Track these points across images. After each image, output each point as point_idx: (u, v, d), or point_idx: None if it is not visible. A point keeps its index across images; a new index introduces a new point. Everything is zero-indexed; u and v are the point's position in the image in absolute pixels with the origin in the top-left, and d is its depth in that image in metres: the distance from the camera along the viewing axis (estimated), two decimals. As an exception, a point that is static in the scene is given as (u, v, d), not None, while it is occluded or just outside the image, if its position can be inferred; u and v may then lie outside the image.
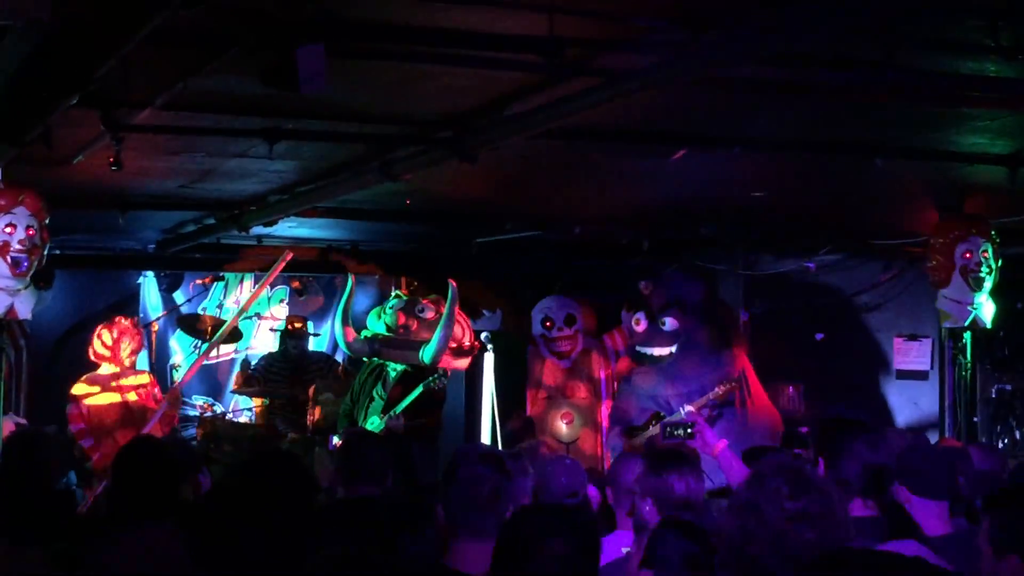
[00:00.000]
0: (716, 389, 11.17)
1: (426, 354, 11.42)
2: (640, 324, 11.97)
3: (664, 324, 11.79)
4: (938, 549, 4.41)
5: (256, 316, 15.01)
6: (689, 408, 11.02)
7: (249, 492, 3.46)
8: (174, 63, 5.97)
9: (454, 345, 11.85)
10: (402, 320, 11.94)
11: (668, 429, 8.36)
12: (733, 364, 11.76)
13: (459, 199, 10.51)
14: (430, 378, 11.49)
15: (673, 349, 11.73)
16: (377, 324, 12.17)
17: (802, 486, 3.59)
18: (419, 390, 11.40)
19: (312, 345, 14.21)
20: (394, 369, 11.86)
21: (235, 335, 14.19)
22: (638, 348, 12.01)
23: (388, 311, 12.12)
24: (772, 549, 3.50)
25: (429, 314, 12.03)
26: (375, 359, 11.99)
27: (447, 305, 11.63)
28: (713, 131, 7.78)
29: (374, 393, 11.86)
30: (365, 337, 12.03)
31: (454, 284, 11.62)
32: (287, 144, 7.68)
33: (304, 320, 14.02)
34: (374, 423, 11.45)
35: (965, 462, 6.12)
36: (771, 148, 8.08)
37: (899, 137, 8.01)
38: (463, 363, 12.18)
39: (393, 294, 12.62)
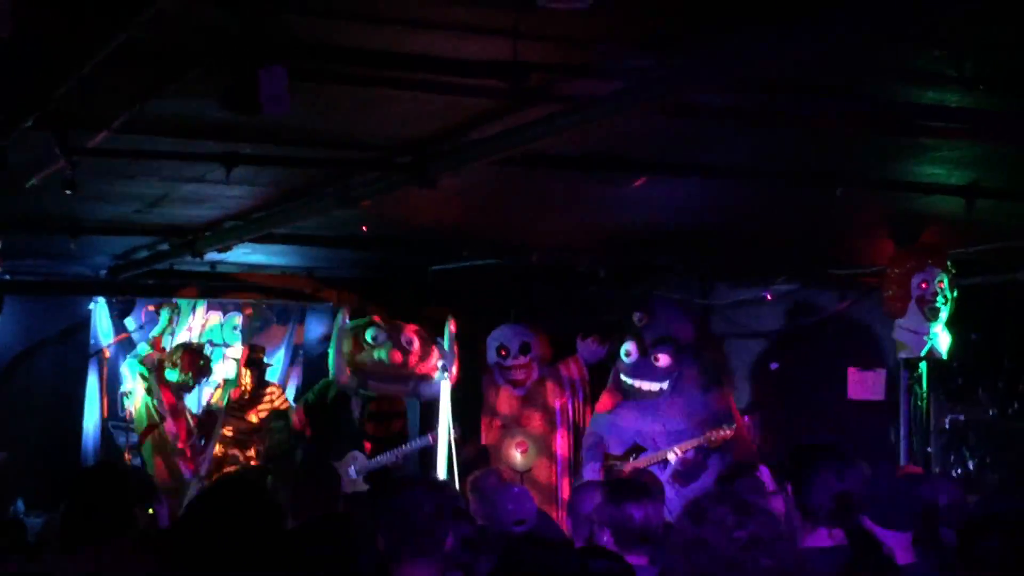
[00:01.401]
0: (711, 435, 11.15)
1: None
2: (631, 355, 11.91)
3: (657, 360, 11.75)
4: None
5: (224, 344, 14.87)
6: (677, 451, 11.04)
7: (215, 519, 3.39)
8: (133, 85, 5.89)
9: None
10: (399, 359, 12.04)
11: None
12: (723, 404, 11.75)
13: (416, 226, 10.45)
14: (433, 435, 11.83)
15: (664, 386, 11.70)
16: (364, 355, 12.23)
17: (746, 512, 3.52)
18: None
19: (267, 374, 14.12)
20: (369, 399, 12.12)
21: (205, 369, 14.07)
22: (624, 378, 11.96)
23: (381, 349, 12.14)
24: None
25: (416, 346, 12.16)
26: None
27: (447, 342, 11.81)
28: (673, 158, 7.76)
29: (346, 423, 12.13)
30: (353, 373, 12.09)
31: (453, 323, 11.79)
32: (245, 169, 7.58)
33: (263, 349, 13.95)
34: None
35: (929, 490, 6.10)
36: (731, 176, 8.07)
37: (859, 167, 8.02)
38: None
39: (365, 320, 12.51)
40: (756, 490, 7.34)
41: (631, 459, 11.53)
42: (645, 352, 11.83)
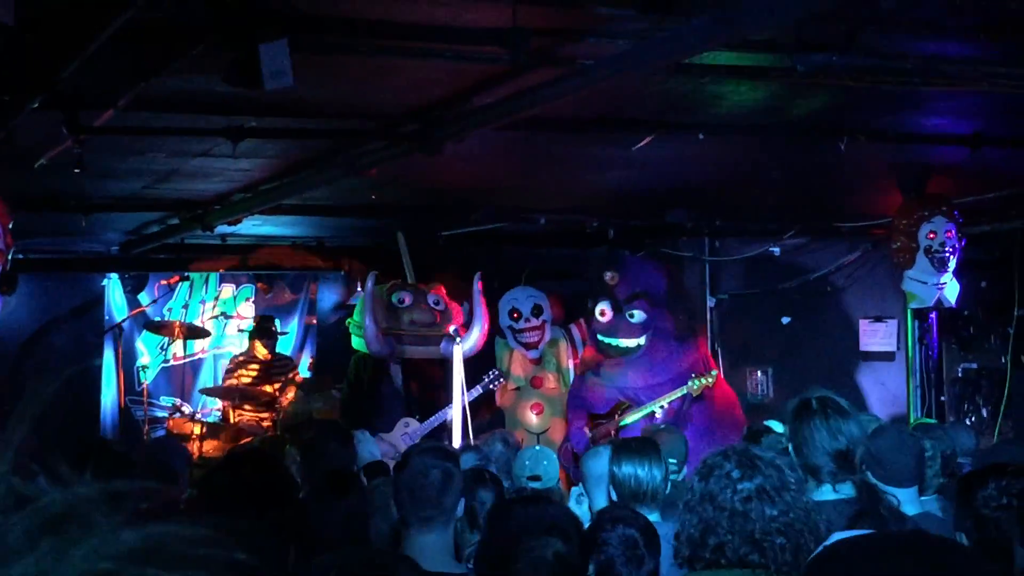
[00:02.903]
0: (694, 384, 11.22)
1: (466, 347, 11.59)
2: (605, 315, 11.96)
3: (632, 316, 11.79)
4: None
5: (223, 316, 14.97)
6: (663, 404, 11.11)
7: (229, 491, 3.44)
8: (137, 63, 5.94)
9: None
10: (429, 319, 12.08)
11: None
12: (698, 353, 11.82)
13: (424, 193, 10.49)
14: (486, 381, 11.76)
15: (642, 340, 11.74)
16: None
17: (752, 465, 3.61)
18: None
19: (279, 344, 14.19)
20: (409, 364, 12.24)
21: (202, 333, 14.16)
22: (602, 338, 12.00)
23: (412, 312, 12.14)
24: (735, 533, 3.52)
25: (443, 305, 12.20)
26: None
27: (475, 299, 11.81)
28: (677, 117, 7.79)
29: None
30: (387, 339, 12.08)
31: (480, 281, 11.78)
32: (251, 142, 7.64)
33: (273, 319, 14.02)
34: None
35: (940, 441, 6.15)
36: (735, 132, 8.09)
37: (862, 120, 8.04)
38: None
39: (388, 285, 12.49)
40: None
41: (616, 417, 11.60)
42: (619, 310, 11.87)
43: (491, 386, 11.97)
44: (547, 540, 3.55)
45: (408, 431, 11.91)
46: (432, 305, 12.13)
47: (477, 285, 11.82)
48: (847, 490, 4.59)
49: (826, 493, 4.57)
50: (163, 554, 1.10)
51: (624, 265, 12.16)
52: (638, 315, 11.76)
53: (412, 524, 4.42)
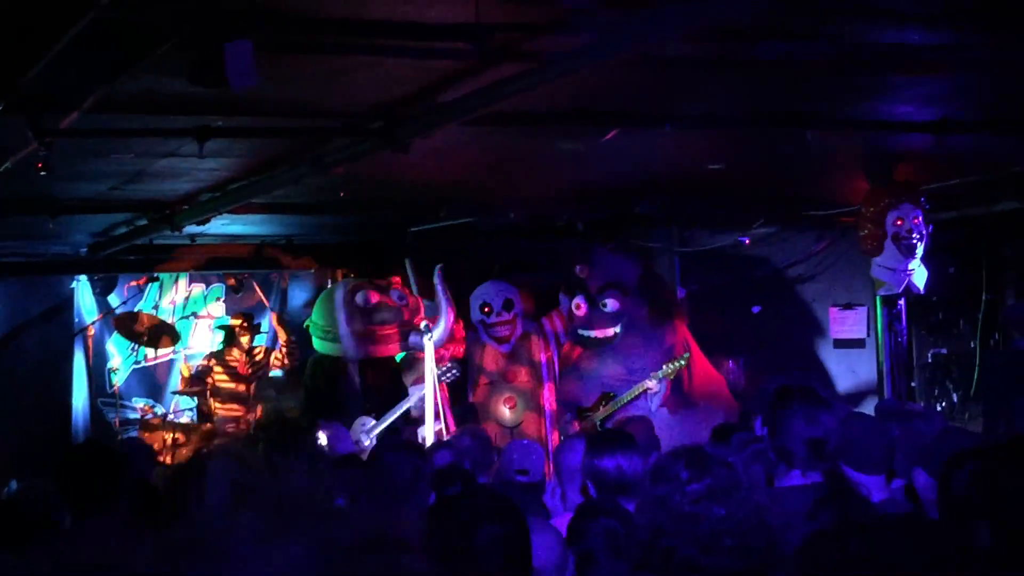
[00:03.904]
0: (666, 367, 11.30)
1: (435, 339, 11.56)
2: (580, 308, 12.05)
3: (605, 306, 11.88)
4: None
5: (193, 316, 14.93)
6: (655, 378, 11.20)
7: (196, 492, 3.43)
8: (101, 65, 5.91)
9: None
10: (401, 317, 12.09)
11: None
12: (676, 337, 11.89)
13: (392, 189, 10.48)
14: (440, 373, 11.69)
15: (617, 330, 11.83)
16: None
17: (702, 466, 3.60)
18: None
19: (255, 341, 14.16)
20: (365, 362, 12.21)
21: (173, 336, 14.11)
22: (580, 331, 12.08)
23: (382, 312, 12.17)
24: (684, 536, 3.50)
25: (409, 300, 12.20)
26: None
27: (438, 291, 11.80)
28: (644, 109, 7.80)
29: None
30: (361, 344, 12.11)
31: (439, 271, 11.77)
32: (218, 142, 7.61)
33: (251, 316, 13.99)
34: None
35: (907, 429, 6.18)
36: (702, 124, 8.11)
37: (828, 109, 8.07)
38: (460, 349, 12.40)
39: (351, 286, 12.51)
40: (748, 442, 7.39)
41: (601, 407, 11.66)
42: (593, 302, 11.99)
43: (443, 379, 11.90)
44: (484, 528, 3.51)
45: (365, 429, 11.95)
46: (397, 301, 12.18)
47: (438, 276, 11.85)
48: (815, 476, 4.62)
49: (794, 478, 4.60)
50: None
51: (595, 258, 12.22)
52: (611, 304, 11.86)
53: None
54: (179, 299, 14.90)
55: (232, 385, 13.34)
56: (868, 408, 9.72)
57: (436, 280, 11.89)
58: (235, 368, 13.49)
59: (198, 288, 15.02)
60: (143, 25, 5.40)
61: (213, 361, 13.66)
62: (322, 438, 8.09)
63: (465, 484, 6.21)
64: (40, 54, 5.22)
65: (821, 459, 4.65)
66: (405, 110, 7.16)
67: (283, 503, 1.22)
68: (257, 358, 13.67)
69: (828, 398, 4.90)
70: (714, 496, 3.52)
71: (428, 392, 11.03)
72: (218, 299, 15.11)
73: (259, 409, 13.26)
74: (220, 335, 14.02)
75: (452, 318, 11.96)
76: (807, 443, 4.63)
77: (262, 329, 14.23)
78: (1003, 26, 6.07)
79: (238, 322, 13.78)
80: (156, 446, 12.39)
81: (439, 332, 11.69)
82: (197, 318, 14.97)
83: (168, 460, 12.16)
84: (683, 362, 11.42)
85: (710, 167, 9.64)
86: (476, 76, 6.34)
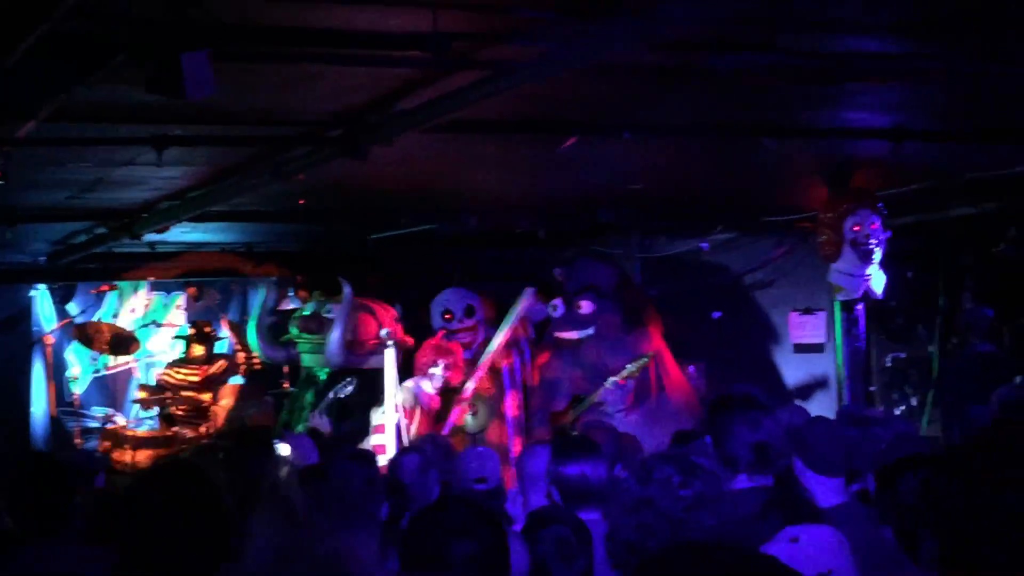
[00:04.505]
0: (629, 367, 11.34)
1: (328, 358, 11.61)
2: (558, 309, 12.16)
3: (580, 307, 11.98)
4: (831, 520, 4.49)
5: (154, 324, 14.86)
6: (614, 380, 11.25)
7: (151, 504, 3.42)
8: (58, 75, 5.88)
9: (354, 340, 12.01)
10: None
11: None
12: (646, 342, 11.93)
13: (352, 196, 10.48)
14: (335, 388, 11.68)
15: (589, 332, 11.91)
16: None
17: (692, 472, 3.62)
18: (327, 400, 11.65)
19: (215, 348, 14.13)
20: (323, 372, 12.17)
21: (133, 345, 14.05)
22: (557, 333, 12.19)
23: (294, 318, 12.29)
24: (672, 540, 3.51)
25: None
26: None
27: (342, 306, 11.81)
28: (602, 118, 7.83)
29: (305, 399, 12.10)
30: (283, 342, 12.15)
31: (348, 286, 11.77)
32: (177, 150, 7.59)
33: (210, 322, 13.97)
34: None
35: (866, 433, 6.24)
36: (660, 133, 8.15)
37: (785, 117, 8.12)
38: (383, 359, 12.31)
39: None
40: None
41: (571, 411, 11.71)
42: (570, 303, 12.08)
43: (339, 395, 11.93)
44: (459, 542, 3.47)
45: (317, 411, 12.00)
46: (324, 315, 12.43)
47: (347, 289, 11.99)
48: (762, 480, 4.65)
49: (741, 481, 4.63)
50: None
51: (574, 262, 12.33)
52: (585, 306, 11.99)
53: (337, 528, 4.41)
54: (139, 308, 14.84)
55: (192, 393, 13.30)
56: (828, 412, 9.76)
57: (345, 292, 11.99)
58: (195, 376, 13.45)
59: (158, 297, 14.97)
60: (99, 36, 5.39)
61: (173, 370, 13.62)
62: (284, 449, 8.05)
63: (441, 496, 6.19)
64: (-4, 64, 5.20)
65: (766, 463, 4.67)
66: (364, 118, 7.16)
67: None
68: (216, 366, 13.63)
69: (769, 404, 4.93)
70: (704, 504, 3.54)
71: (388, 402, 11.04)
72: (177, 306, 15.07)
73: (220, 417, 13.21)
74: (180, 344, 13.98)
75: (339, 335, 12.03)
76: (752, 448, 4.65)
77: (219, 335, 14.20)
78: (953, 37, 6.13)
79: (196, 331, 13.74)
80: (116, 455, 12.37)
81: (331, 344, 11.81)
82: (159, 327, 14.92)
83: (127, 468, 12.11)
84: (645, 360, 11.46)
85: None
86: (435, 84, 6.35)
